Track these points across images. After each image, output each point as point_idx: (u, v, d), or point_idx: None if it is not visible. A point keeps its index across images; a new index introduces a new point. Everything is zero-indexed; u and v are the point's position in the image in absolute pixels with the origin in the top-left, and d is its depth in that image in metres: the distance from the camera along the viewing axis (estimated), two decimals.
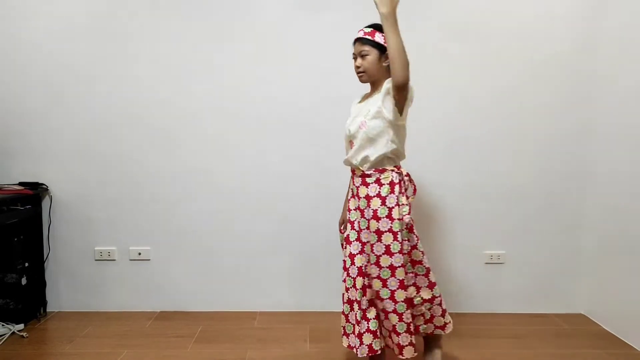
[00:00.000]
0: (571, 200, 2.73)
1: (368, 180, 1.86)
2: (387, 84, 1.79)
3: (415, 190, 1.95)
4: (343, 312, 1.94)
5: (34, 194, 2.57)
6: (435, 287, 1.97)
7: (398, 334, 1.83)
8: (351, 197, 1.97)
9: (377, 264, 1.82)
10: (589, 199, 2.71)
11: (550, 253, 2.76)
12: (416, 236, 1.90)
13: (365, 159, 1.85)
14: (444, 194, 2.73)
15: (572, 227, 2.75)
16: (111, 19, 2.60)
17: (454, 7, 2.62)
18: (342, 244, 2.03)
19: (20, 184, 2.62)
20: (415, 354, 1.84)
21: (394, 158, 1.87)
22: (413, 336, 1.85)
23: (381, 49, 1.84)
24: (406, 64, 1.69)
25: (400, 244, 1.81)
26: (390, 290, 1.81)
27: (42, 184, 2.65)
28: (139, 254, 2.74)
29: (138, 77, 2.64)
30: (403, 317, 1.82)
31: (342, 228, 2.11)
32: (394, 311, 1.82)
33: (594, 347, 2.36)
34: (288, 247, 2.74)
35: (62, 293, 2.75)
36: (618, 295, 2.49)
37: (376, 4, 1.72)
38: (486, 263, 2.77)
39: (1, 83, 2.62)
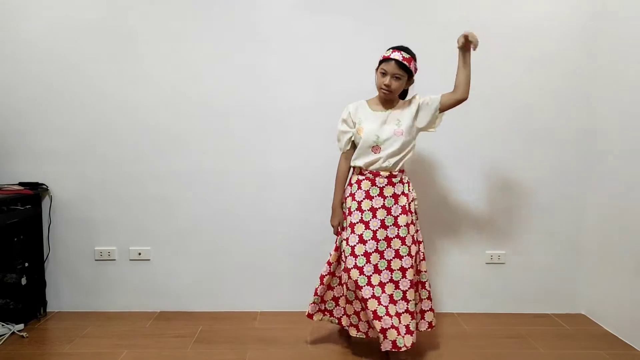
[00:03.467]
0: (571, 200, 2.73)
1: (394, 180, 2.12)
2: (420, 100, 2.14)
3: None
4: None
5: (34, 194, 2.57)
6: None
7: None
8: (365, 198, 2.11)
9: (409, 254, 2.09)
10: (589, 199, 2.71)
11: (550, 253, 2.76)
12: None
13: (397, 163, 2.10)
14: (444, 194, 2.73)
15: (572, 227, 2.75)
16: (113, 19, 2.60)
17: (454, 7, 2.62)
18: (337, 247, 2.18)
19: (20, 184, 2.62)
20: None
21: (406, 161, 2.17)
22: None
23: (410, 74, 2.09)
24: (469, 88, 2.09)
25: (415, 233, 2.15)
26: (409, 280, 2.10)
27: (42, 184, 2.65)
28: (139, 254, 2.74)
29: (138, 77, 2.64)
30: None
31: (340, 231, 2.20)
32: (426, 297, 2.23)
33: (594, 348, 2.35)
34: (288, 247, 2.74)
35: (62, 293, 2.75)
36: (618, 295, 2.49)
37: (467, 43, 2.00)
38: (486, 263, 2.77)
39: (1, 83, 2.62)
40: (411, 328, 2.05)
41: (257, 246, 2.74)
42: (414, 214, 2.15)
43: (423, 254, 2.20)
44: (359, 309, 2.16)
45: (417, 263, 2.16)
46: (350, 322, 2.21)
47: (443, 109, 2.12)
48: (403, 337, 2.02)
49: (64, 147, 2.66)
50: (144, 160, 2.69)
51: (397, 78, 2.04)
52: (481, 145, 2.70)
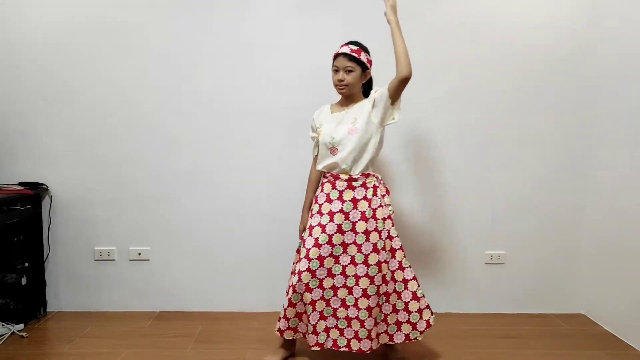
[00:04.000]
0: (571, 201, 2.73)
1: (354, 184, 2.02)
2: (376, 94, 2.02)
3: (388, 192, 2.12)
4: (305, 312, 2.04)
5: (34, 194, 2.57)
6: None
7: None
8: (325, 202, 2.06)
9: (366, 262, 1.98)
10: (589, 199, 2.71)
11: (550, 253, 2.76)
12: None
13: (355, 163, 2.01)
14: (444, 194, 2.73)
15: (572, 227, 2.75)
16: (112, 19, 2.60)
17: (454, 7, 2.62)
18: (298, 249, 2.15)
19: (20, 184, 2.62)
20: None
21: (374, 162, 2.07)
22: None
23: (364, 67, 2.03)
24: (409, 61, 1.91)
25: (384, 242, 2.00)
26: (376, 286, 1.99)
27: (42, 184, 2.65)
28: (139, 254, 2.74)
29: (138, 77, 2.64)
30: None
31: (303, 234, 2.14)
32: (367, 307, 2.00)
33: (594, 347, 2.36)
34: (288, 247, 2.73)
35: (62, 293, 2.75)
36: (618, 295, 2.49)
37: (387, 13, 1.98)
38: (486, 263, 2.77)
39: (1, 83, 2.62)
40: (360, 335, 1.99)
41: (257, 246, 2.74)
42: (380, 221, 2.00)
43: (399, 263, 2.05)
44: (302, 311, 2.06)
45: (388, 272, 2.03)
46: (289, 325, 2.09)
47: (393, 96, 1.96)
48: (349, 340, 2.01)
49: (64, 147, 2.67)
50: (144, 161, 2.69)
51: (348, 71, 1.99)
52: (481, 145, 2.70)
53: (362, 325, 1.99)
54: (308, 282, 1.99)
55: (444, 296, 2.79)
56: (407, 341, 2.07)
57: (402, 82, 1.92)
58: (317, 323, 2.04)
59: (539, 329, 2.57)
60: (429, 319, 2.08)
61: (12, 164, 2.66)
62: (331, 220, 2.01)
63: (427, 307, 2.09)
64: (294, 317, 2.07)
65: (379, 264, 1.98)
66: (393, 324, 2.08)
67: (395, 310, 2.07)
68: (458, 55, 2.64)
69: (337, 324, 2.04)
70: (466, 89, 2.66)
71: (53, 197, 2.69)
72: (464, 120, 2.68)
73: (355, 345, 2.01)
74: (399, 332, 2.08)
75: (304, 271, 1.99)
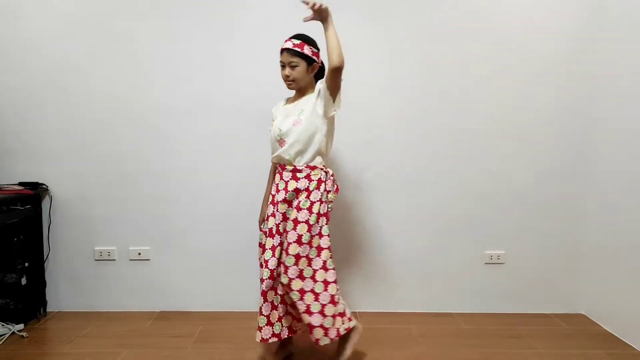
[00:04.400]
0: (571, 200, 2.73)
1: (299, 175, 2.02)
2: (320, 85, 1.99)
3: (337, 189, 2.11)
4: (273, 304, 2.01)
5: (34, 194, 2.57)
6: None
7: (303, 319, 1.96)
8: (276, 192, 2.06)
9: (287, 250, 1.94)
10: (589, 198, 2.71)
11: (550, 253, 2.76)
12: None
13: (299, 155, 2.01)
14: (444, 194, 2.73)
15: (572, 227, 2.75)
16: (111, 19, 2.60)
17: (453, 6, 2.62)
18: (260, 242, 2.14)
19: (20, 184, 2.62)
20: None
21: (322, 156, 2.05)
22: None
23: (309, 60, 2.02)
24: (341, 50, 1.87)
25: (311, 237, 1.95)
26: (289, 277, 1.93)
27: (42, 184, 2.65)
28: (139, 254, 2.74)
29: (138, 77, 2.64)
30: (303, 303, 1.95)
31: (262, 226, 2.17)
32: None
33: (594, 347, 2.35)
34: None
35: (62, 293, 2.75)
36: (618, 295, 2.49)
37: (320, 12, 1.90)
38: (486, 263, 2.77)
39: (1, 83, 2.62)
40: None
41: (257, 246, 2.74)
42: (314, 215, 1.95)
43: (324, 262, 1.96)
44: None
45: (306, 268, 1.95)
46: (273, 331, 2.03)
47: (330, 86, 1.93)
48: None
49: (64, 147, 2.67)
50: (144, 160, 2.69)
51: (293, 67, 2.00)
52: (480, 145, 2.70)
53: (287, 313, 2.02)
54: (261, 276, 2.01)
55: (444, 296, 2.79)
56: (316, 345, 1.96)
57: (334, 72, 1.88)
58: (269, 314, 2.00)
59: (539, 329, 2.57)
60: (347, 326, 2.02)
61: (12, 164, 2.66)
62: (277, 210, 2.01)
63: (344, 313, 2.01)
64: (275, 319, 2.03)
65: (297, 256, 1.93)
66: (306, 324, 1.97)
67: (308, 312, 1.93)
68: (458, 54, 2.64)
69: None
70: (466, 89, 2.66)
71: (53, 197, 2.69)
72: (464, 119, 2.68)
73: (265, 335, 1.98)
74: (310, 334, 1.96)
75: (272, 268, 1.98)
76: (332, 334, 1.96)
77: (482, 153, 2.70)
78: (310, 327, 1.94)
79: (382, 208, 2.73)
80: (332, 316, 1.96)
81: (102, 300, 2.76)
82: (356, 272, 2.76)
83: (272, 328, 1.99)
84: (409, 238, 2.75)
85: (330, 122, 2.04)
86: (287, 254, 1.94)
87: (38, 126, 2.65)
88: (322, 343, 1.95)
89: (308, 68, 2.03)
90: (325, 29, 1.91)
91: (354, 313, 2.74)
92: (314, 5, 1.86)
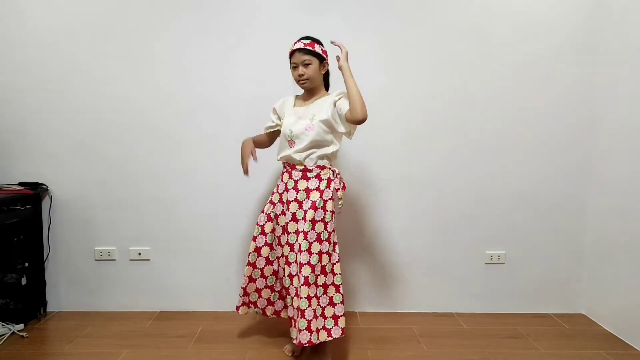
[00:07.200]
0: (571, 201, 2.73)
1: (309, 174, 2.10)
2: (335, 97, 2.06)
3: (344, 187, 2.16)
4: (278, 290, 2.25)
5: (34, 194, 2.57)
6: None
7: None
8: (284, 191, 2.15)
9: (309, 250, 2.01)
10: (589, 199, 2.71)
11: (550, 253, 2.76)
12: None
13: (309, 156, 2.09)
14: (444, 194, 2.73)
15: (572, 227, 2.75)
16: (112, 18, 2.60)
17: (453, 7, 2.62)
18: (256, 236, 2.22)
19: (20, 184, 2.62)
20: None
21: (331, 157, 2.13)
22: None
23: (321, 58, 2.09)
24: (364, 104, 1.95)
25: (329, 233, 2.07)
26: (315, 275, 2.03)
27: (42, 184, 2.65)
28: (139, 254, 2.74)
29: (138, 76, 2.64)
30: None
31: (246, 163, 2.29)
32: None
33: (594, 347, 2.35)
34: None
35: (62, 293, 2.75)
36: (618, 295, 2.49)
37: (340, 60, 2.03)
38: (486, 263, 2.77)
39: (1, 83, 2.62)
40: (299, 326, 2.00)
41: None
42: (329, 213, 2.06)
43: (338, 256, 2.11)
44: (262, 287, 2.26)
45: (328, 263, 2.07)
46: (250, 300, 2.30)
47: (347, 126, 2.06)
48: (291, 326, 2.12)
49: (64, 147, 2.67)
50: (144, 160, 2.69)
51: (307, 65, 2.06)
52: (480, 146, 2.70)
53: (302, 315, 1.98)
54: (267, 256, 2.19)
55: (444, 296, 2.79)
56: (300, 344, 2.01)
57: (356, 123, 2.00)
58: (269, 296, 2.26)
59: (539, 329, 2.57)
60: (339, 327, 2.06)
61: (12, 164, 2.66)
62: (288, 209, 2.11)
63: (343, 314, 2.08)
64: (253, 292, 2.26)
65: (320, 253, 2.03)
66: (330, 317, 2.06)
67: (332, 304, 2.07)
68: (459, 56, 2.64)
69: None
70: (467, 90, 2.66)
71: (53, 197, 2.69)
72: (465, 121, 2.68)
73: (294, 334, 2.05)
74: (336, 326, 2.05)
75: (261, 246, 2.18)
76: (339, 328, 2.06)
77: (483, 154, 2.70)
78: (335, 317, 2.06)
79: (384, 208, 2.73)
80: (332, 317, 2.07)
81: (102, 300, 2.75)
82: (357, 272, 2.76)
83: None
84: (409, 238, 2.75)
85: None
86: (311, 253, 2.01)
87: (38, 126, 2.65)
88: (313, 340, 1.99)
89: (320, 66, 2.09)
90: (346, 78, 1.99)
91: (354, 313, 2.74)
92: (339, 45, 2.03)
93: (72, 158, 2.67)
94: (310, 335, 1.98)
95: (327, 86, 2.23)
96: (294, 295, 2.04)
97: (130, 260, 2.75)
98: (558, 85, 2.66)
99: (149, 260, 2.75)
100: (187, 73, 2.64)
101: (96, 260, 2.74)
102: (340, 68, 2.02)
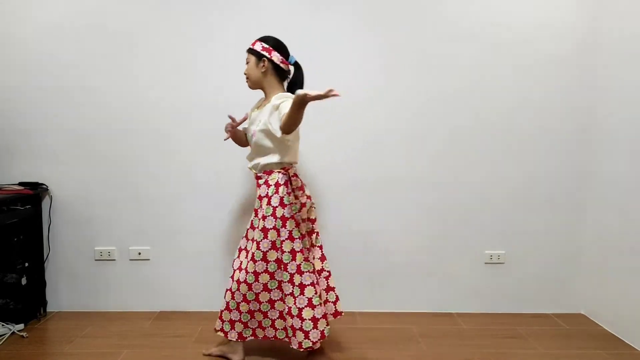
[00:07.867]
0: (571, 200, 2.73)
1: (260, 182, 2.07)
2: (276, 100, 1.96)
3: (302, 187, 2.08)
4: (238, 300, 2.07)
5: (34, 194, 2.57)
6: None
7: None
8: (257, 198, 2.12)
9: (265, 259, 1.98)
10: (589, 199, 2.71)
11: (550, 253, 2.76)
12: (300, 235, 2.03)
13: (257, 162, 2.06)
14: (444, 194, 2.73)
15: (572, 227, 2.75)
16: (111, 19, 2.60)
17: (454, 8, 2.62)
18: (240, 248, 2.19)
19: (20, 184, 2.63)
20: None
21: (282, 159, 2.02)
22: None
23: (258, 55, 2.03)
24: (290, 128, 1.86)
25: (282, 242, 1.98)
26: (277, 281, 2.02)
27: (42, 184, 2.65)
28: (139, 254, 2.74)
29: (138, 77, 2.64)
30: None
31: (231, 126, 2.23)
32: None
33: (594, 347, 2.36)
34: None
35: (62, 293, 2.75)
36: (618, 295, 2.49)
37: (301, 92, 1.73)
38: (486, 263, 2.77)
39: (1, 83, 2.62)
40: (264, 324, 2.11)
41: None
42: (279, 220, 1.97)
43: (297, 266, 1.99)
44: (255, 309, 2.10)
45: (286, 273, 2.00)
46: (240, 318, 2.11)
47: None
48: (253, 329, 2.13)
49: (64, 147, 2.67)
50: (144, 160, 2.69)
51: (247, 63, 2.07)
52: (480, 146, 2.70)
53: (266, 316, 2.07)
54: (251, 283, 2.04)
55: (444, 296, 2.79)
56: (300, 349, 1.99)
57: (282, 132, 1.91)
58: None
59: (539, 329, 2.57)
60: (323, 330, 1.99)
61: (12, 164, 2.66)
62: (256, 216, 2.09)
63: (324, 316, 2.01)
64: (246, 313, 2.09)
65: (278, 260, 2.00)
66: (289, 327, 2.03)
67: (290, 314, 2.01)
68: (457, 56, 2.64)
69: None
70: (466, 89, 2.66)
71: (53, 197, 2.69)
72: (463, 120, 2.68)
73: (260, 334, 2.11)
74: (293, 337, 2.01)
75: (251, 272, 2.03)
76: (315, 336, 1.97)
77: (482, 153, 2.70)
78: (292, 329, 2.00)
79: (383, 209, 2.73)
80: (310, 319, 1.98)
81: (102, 300, 2.76)
82: (357, 272, 2.76)
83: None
84: (409, 238, 2.75)
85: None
86: (267, 261, 1.99)
87: (38, 126, 2.65)
88: (304, 345, 1.97)
89: (258, 63, 2.04)
90: (294, 103, 1.77)
91: (353, 313, 2.74)
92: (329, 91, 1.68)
93: (72, 158, 2.68)
94: (275, 332, 2.08)
95: (291, 89, 2.09)
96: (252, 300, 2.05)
97: (130, 260, 2.75)
98: (557, 85, 2.66)
99: (148, 260, 2.75)
100: (187, 73, 2.64)
101: (96, 260, 2.74)
102: (297, 95, 1.73)
